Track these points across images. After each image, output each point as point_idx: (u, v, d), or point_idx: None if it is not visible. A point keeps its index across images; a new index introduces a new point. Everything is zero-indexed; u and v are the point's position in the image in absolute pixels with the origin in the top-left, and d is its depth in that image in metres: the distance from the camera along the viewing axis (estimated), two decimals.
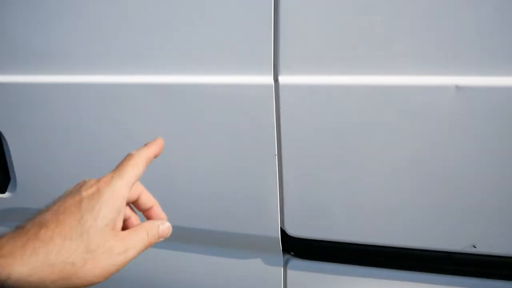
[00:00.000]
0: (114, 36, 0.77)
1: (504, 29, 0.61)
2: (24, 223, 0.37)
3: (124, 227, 0.42)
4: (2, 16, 0.80)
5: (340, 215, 0.81)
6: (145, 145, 0.46)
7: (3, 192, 0.97)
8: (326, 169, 0.78)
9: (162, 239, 0.43)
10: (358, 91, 0.70)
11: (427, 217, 0.77)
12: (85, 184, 0.40)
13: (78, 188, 0.40)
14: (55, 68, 0.82)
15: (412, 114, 0.69)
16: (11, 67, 0.84)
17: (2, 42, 0.82)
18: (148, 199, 0.46)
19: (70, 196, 0.39)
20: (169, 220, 0.47)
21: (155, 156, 0.46)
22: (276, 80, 0.73)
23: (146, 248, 0.41)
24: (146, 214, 0.47)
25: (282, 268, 0.95)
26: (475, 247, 0.75)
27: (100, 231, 0.37)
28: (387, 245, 0.83)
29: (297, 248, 0.92)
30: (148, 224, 0.42)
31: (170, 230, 0.44)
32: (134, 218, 0.46)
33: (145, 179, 0.46)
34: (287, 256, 0.95)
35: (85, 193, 0.38)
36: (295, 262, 0.95)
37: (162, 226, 0.43)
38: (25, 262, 0.33)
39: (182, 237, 0.92)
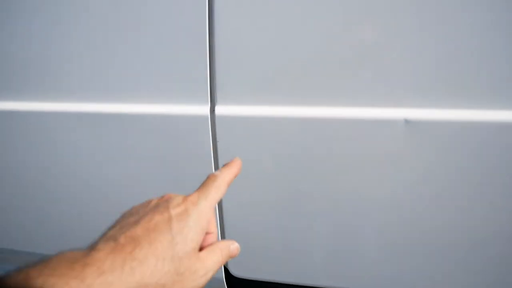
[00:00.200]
0: (48, 65, 0.75)
1: (450, 62, 0.60)
2: (112, 232, 0.36)
3: None
4: None
5: (280, 257, 0.77)
6: (226, 165, 0.46)
7: None
8: (265, 207, 0.75)
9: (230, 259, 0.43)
10: (297, 122, 0.69)
11: (367, 257, 0.74)
12: (172, 201, 0.39)
13: (164, 203, 0.39)
14: None
15: (355, 147, 0.67)
16: None
17: None
18: (213, 225, 0.45)
19: (157, 212, 0.38)
20: None
21: (235, 177, 0.46)
22: (212, 110, 0.71)
23: (219, 268, 0.41)
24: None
25: None
26: None
27: (188, 254, 0.37)
28: (327, 287, 0.79)
29: None
30: (221, 244, 0.42)
31: (239, 250, 0.44)
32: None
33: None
34: None
35: (173, 211, 0.38)
36: None
37: (233, 246, 0.43)
38: (123, 282, 0.32)
39: None
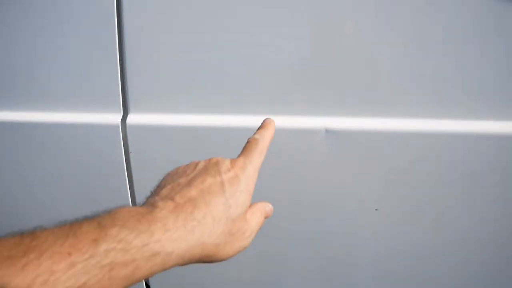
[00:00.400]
0: None
1: (371, 69, 0.60)
2: (165, 192, 0.38)
3: None
4: None
5: (199, 274, 0.75)
6: (262, 128, 0.47)
7: None
8: None
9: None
10: (214, 131, 0.67)
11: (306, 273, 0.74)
12: (221, 165, 0.41)
13: (214, 167, 0.41)
14: None
15: (271, 157, 0.67)
16: None
17: None
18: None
19: (209, 174, 0.40)
20: None
21: (272, 139, 0.47)
22: (124, 119, 0.69)
23: (260, 229, 0.43)
24: None
25: None
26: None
27: (239, 217, 0.39)
28: None
29: None
30: (260, 205, 0.43)
31: (273, 211, 0.45)
32: None
33: None
34: None
35: (224, 176, 0.39)
36: None
37: (268, 208, 0.44)
38: (185, 239, 0.34)
39: None
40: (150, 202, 0.37)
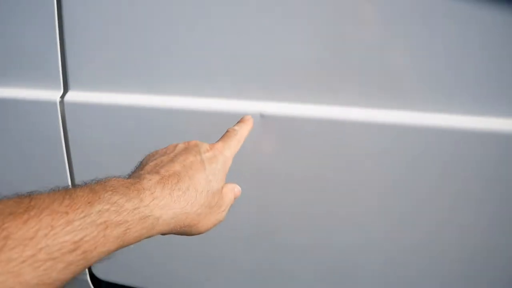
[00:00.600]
0: None
1: (304, 57, 0.56)
2: (149, 168, 0.41)
3: None
4: None
5: (143, 261, 0.74)
6: (241, 121, 0.52)
7: None
8: None
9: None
10: (158, 112, 0.64)
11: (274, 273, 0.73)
12: (201, 147, 0.45)
13: (194, 148, 0.45)
14: None
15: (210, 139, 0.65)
16: None
17: None
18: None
19: (190, 153, 0.43)
20: None
21: (249, 132, 0.52)
22: (62, 96, 0.66)
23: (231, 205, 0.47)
24: None
25: None
26: None
27: (217, 192, 0.43)
28: None
29: None
30: (230, 186, 0.47)
31: (240, 192, 0.49)
32: None
33: None
34: None
35: (204, 155, 0.44)
36: None
37: (237, 189, 0.48)
38: (170, 207, 0.37)
39: None
40: (136, 176, 0.39)
